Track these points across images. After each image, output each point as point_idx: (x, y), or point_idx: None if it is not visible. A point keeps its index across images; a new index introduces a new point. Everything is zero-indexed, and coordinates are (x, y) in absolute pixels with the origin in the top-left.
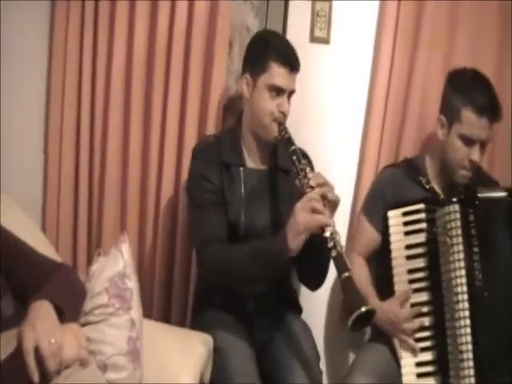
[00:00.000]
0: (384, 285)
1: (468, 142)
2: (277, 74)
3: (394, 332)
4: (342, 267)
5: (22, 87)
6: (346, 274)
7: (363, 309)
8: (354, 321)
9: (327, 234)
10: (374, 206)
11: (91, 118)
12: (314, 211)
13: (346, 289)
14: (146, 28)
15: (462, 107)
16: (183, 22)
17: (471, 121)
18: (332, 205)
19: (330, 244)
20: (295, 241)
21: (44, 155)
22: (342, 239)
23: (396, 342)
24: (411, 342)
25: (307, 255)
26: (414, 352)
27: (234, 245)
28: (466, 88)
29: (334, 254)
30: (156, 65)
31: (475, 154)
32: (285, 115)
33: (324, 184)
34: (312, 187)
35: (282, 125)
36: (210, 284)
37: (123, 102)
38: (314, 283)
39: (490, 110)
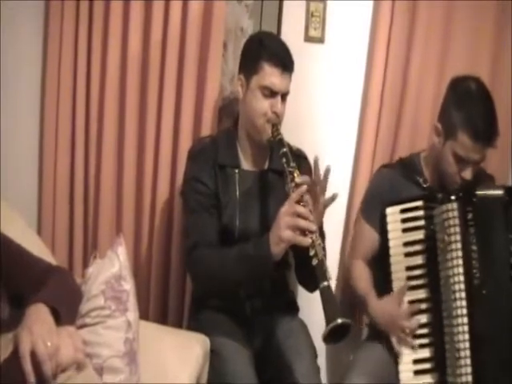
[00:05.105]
0: (383, 284)
1: (461, 160)
2: (269, 74)
3: (392, 330)
4: (321, 276)
5: (17, 89)
6: (325, 284)
7: (339, 320)
8: (329, 333)
9: (308, 241)
10: (373, 207)
11: (86, 119)
12: (298, 215)
13: (324, 299)
14: (139, 30)
15: (459, 127)
16: (177, 23)
17: (466, 144)
18: (320, 206)
19: (312, 252)
20: (277, 246)
21: (39, 158)
22: (338, 238)
23: (394, 340)
24: (409, 340)
25: (303, 257)
26: (411, 349)
27: (222, 248)
28: (467, 106)
29: (314, 262)
30: (150, 66)
31: (467, 173)
32: (278, 116)
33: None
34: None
35: (275, 126)
36: (199, 287)
37: (118, 103)
38: (312, 285)
39: (487, 136)
